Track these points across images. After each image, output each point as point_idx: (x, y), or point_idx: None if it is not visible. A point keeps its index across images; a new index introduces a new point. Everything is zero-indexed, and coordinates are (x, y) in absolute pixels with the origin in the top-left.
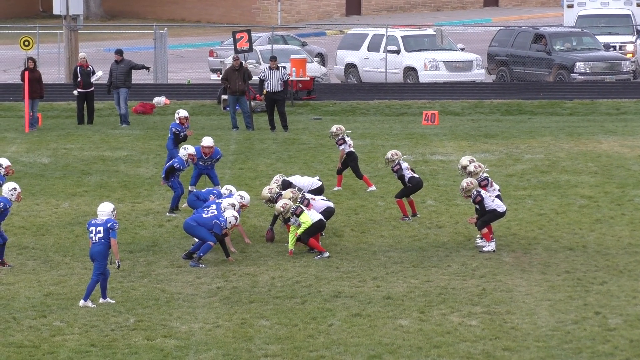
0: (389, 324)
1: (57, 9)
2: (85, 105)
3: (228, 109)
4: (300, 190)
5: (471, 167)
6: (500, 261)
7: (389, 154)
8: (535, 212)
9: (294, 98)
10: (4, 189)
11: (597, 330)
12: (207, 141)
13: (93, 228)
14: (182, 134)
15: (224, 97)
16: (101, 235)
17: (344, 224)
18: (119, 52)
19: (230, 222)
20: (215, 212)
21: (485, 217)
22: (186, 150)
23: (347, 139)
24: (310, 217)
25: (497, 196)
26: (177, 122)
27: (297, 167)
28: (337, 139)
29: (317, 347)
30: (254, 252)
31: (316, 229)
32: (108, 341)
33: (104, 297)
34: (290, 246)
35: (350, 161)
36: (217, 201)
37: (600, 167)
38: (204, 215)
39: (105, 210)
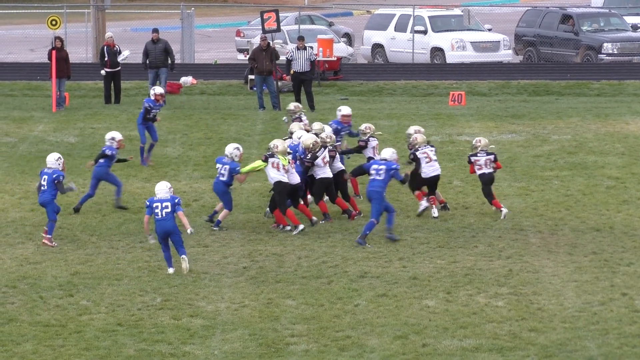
0: (415, 305)
1: None
2: (112, 84)
3: (255, 89)
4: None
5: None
6: (526, 242)
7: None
8: (562, 193)
9: (320, 78)
10: (49, 159)
11: (624, 312)
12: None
13: (159, 204)
14: (153, 110)
15: (251, 77)
16: (168, 210)
17: (369, 204)
18: (156, 30)
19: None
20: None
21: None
22: (154, 90)
23: (304, 117)
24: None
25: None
26: (152, 98)
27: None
28: (294, 117)
29: (343, 327)
30: (280, 232)
31: (325, 185)
32: (134, 320)
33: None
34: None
35: None
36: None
37: (628, 148)
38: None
39: (163, 188)
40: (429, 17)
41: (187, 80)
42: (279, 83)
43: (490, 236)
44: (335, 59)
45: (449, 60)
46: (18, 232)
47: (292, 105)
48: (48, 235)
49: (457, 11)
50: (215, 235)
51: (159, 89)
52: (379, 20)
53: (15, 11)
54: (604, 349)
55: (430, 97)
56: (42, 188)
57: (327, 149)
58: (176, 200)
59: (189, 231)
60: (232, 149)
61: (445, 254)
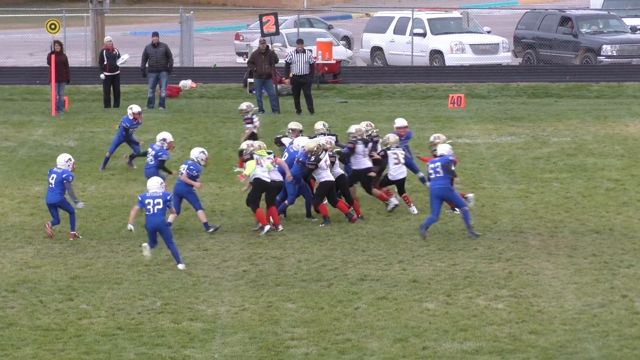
0: (415, 307)
1: None
2: (111, 88)
3: (254, 92)
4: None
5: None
6: (526, 244)
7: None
8: (562, 195)
9: (320, 81)
10: (59, 160)
11: (624, 314)
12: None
13: (150, 200)
14: (131, 129)
15: (250, 80)
16: (160, 206)
17: (370, 207)
18: (156, 34)
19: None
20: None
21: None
22: (132, 109)
23: (255, 119)
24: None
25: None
26: (130, 117)
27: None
28: (245, 117)
29: (343, 330)
30: (279, 235)
31: (327, 188)
32: (134, 324)
33: (180, 261)
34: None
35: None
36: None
37: (627, 150)
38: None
39: (155, 184)
40: (428, 19)
41: (186, 83)
42: (279, 86)
43: (490, 239)
44: (335, 61)
45: (448, 62)
46: (18, 236)
47: (244, 105)
48: (72, 232)
49: (456, 14)
50: (215, 238)
51: (136, 108)
52: (378, 23)
53: (14, 15)
54: (604, 351)
55: (430, 100)
56: (50, 186)
57: (327, 152)
58: (168, 197)
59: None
60: (197, 152)
61: (445, 257)
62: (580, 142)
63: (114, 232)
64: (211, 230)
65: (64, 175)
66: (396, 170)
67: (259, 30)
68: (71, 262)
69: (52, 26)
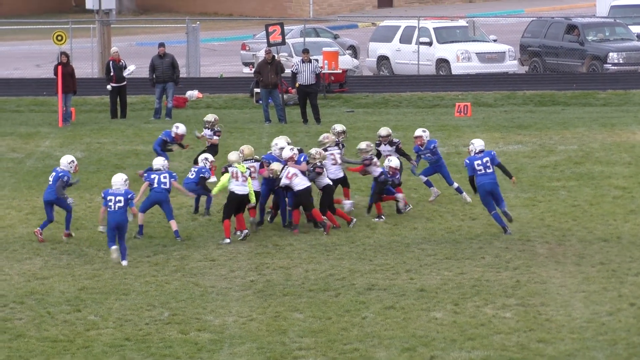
0: (423, 317)
1: (90, 3)
2: (118, 99)
3: (261, 102)
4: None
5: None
6: (534, 253)
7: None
8: (569, 203)
9: (326, 91)
10: (62, 161)
11: (632, 322)
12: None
13: (112, 197)
14: (169, 144)
15: (257, 90)
16: (121, 204)
17: (377, 216)
18: (162, 45)
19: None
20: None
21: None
22: (177, 128)
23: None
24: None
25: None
26: (172, 134)
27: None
28: (214, 129)
29: (351, 339)
30: (287, 245)
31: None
32: (142, 335)
33: (124, 258)
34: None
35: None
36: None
37: (634, 158)
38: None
39: (119, 181)
40: (434, 28)
41: (192, 94)
42: (285, 96)
43: (498, 247)
44: (341, 71)
45: (454, 71)
46: (25, 247)
47: (211, 117)
48: (67, 231)
49: (462, 22)
50: (222, 249)
51: (181, 129)
52: (384, 32)
53: (21, 27)
54: (612, 359)
55: (436, 109)
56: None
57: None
58: (129, 196)
59: (130, 217)
60: (161, 161)
61: (452, 266)
62: (587, 150)
63: None
64: (180, 239)
65: (60, 174)
66: (335, 171)
67: (265, 40)
68: (79, 273)
69: (59, 37)
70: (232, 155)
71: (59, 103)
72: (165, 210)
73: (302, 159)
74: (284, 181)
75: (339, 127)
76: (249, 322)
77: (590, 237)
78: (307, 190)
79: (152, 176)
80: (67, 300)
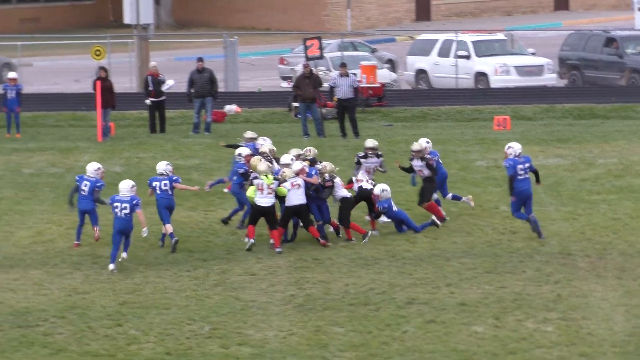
0: (464, 331)
1: (128, 18)
2: (157, 114)
3: (299, 116)
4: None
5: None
6: (575, 266)
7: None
8: (610, 216)
9: (364, 105)
10: (89, 168)
11: None
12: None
13: (118, 204)
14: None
15: (295, 104)
16: (127, 211)
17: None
18: (201, 59)
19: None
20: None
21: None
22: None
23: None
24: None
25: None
26: (243, 162)
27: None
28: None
29: (392, 354)
30: (326, 259)
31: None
32: (183, 349)
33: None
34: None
35: None
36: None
37: None
38: None
39: (126, 187)
40: (472, 42)
41: (231, 108)
42: (323, 110)
43: (538, 261)
44: (379, 85)
45: (493, 84)
46: (66, 262)
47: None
48: (97, 232)
49: (500, 36)
50: (262, 263)
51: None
52: (422, 45)
53: (59, 42)
54: None
55: (475, 122)
56: (82, 193)
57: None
58: (134, 202)
59: (144, 231)
60: (164, 165)
61: (493, 280)
62: (627, 163)
63: (162, 258)
64: (174, 241)
65: (97, 184)
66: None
67: (303, 55)
68: (119, 287)
69: (97, 52)
70: (262, 166)
71: (97, 118)
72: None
73: (313, 173)
74: (286, 185)
75: (369, 143)
76: (290, 336)
77: (631, 250)
78: (302, 207)
79: (154, 183)
80: (108, 315)
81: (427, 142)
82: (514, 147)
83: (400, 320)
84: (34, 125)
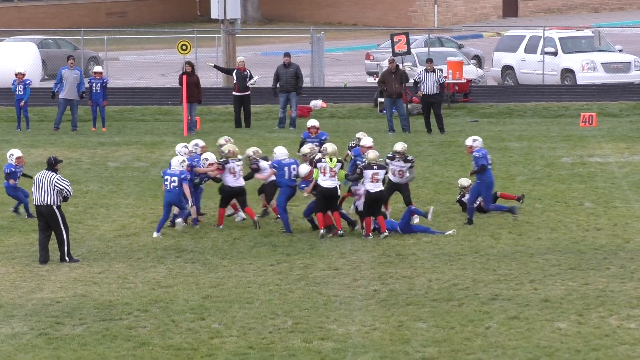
0: (547, 327)
1: (215, 13)
2: (241, 108)
3: (385, 111)
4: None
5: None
6: None
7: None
8: None
9: (450, 100)
10: (174, 162)
11: None
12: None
13: (168, 177)
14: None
15: (381, 100)
16: (175, 184)
17: (501, 226)
18: (288, 55)
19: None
20: None
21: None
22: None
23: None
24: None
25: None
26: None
27: (454, 169)
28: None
29: (475, 349)
30: (410, 254)
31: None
32: (266, 344)
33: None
34: None
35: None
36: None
37: None
38: None
39: (176, 162)
40: (559, 38)
41: (317, 103)
42: (409, 106)
43: (622, 258)
44: (465, 81)
45: (579, 81)
46: (150, 255)
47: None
48: (194, 220)
49: (587, 32)
50: (346, 258)
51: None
52: (509, 42)
53: (146, 36)
54: None
55: (561, 119)
56: (166, 187)
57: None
58: (182, 176)
59: (189, 204)
60: (180, 147)
61: (576, 276)
62: None
63: (245, 252)
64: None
65: (182, 176)
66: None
67: (390, 50)
68: (203, 281)
69: (183, 47)
70: (329, 147)
71: (183, 112)
72: (179, 207)
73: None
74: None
75: (398, 146)
76: (372, 331)
77: None
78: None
79: (165, 177)
80: (191, 309)
81: (474, 140)
82: (479, 140)
83: (483, 316)
84: (119, 119)
